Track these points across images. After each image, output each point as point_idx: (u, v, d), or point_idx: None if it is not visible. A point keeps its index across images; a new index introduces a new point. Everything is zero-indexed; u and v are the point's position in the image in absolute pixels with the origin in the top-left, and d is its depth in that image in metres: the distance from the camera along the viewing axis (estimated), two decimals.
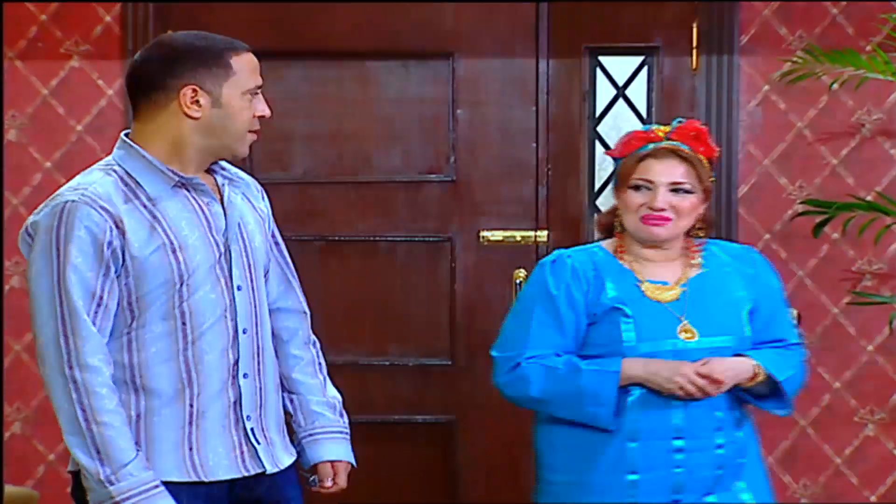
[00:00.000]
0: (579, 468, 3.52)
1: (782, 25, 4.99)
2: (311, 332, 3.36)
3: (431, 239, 5.10)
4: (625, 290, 3.52)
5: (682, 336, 3.50)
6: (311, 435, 3.29)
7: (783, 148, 5.01)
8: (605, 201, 5.04)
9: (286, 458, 3.20)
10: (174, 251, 3.03)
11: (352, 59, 5.10)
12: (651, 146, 3.52)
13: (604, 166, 5.07)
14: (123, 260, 3.00)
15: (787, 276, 5.02)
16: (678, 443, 3.50)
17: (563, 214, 5.05)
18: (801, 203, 4.89)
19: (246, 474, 3.11)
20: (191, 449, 3.05)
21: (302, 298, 3.35)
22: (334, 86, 5.11)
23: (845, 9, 4.95)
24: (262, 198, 3.29)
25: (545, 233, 5.02)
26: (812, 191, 4.98)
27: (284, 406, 3.28)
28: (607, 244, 3.60)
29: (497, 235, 5.08)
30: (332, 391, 3.35)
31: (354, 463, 3.33)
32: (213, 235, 3.09)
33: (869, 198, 4.87)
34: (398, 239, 5.10)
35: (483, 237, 5.08)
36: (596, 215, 3.73)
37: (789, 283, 5.02)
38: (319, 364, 3.35)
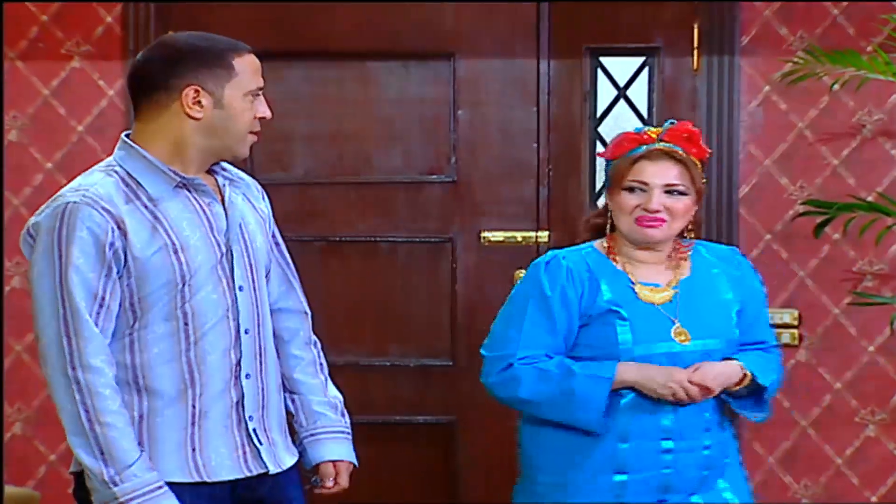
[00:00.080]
0: (567, 469, 3.52)
1: (783, 26, 4.99)
2: (311, 332, 3.36)
3: (432, 239, 5.10)
4: (619, 292, 3.51)
5: (677, 339, 3.50)
6: (312, 435, 3.29)
7: (784, 148, 5.02)
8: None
9: (288, 459, 3.20)
10: (176, 252, 3.03)
11: (352, 60, 5.10)
12: (644, 148, 3.52)
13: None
14: (125, 261, 3.00)
15: (788, 277, 5.03)
16: (667, 444, 3.51)
17: (563, 215, 5.05)
18: (802, 203, 4.89)
19: (248, 475, 3.11)
20: (193, 449, 3.05)
21: (303, 299, 3.35)
22: (335, 86, 5.12)
23: (846, 9, 4.95)
24: (263, 198, 3.29)
25: (546, 233, 5.02)
26: (813, 191, 4.98)
27: (286, 406, 3.28)
28: (598, 245, 3.59)
29: (498, 236, 5.08)
30: (334, 391, 3.35)
31: (356, 463, 3.33)
32: (214, 236, 3.09)
33: (870, 198, 4.87)
34: (399, 239, 5.10)
35: (484, 238, 5.08)
36: (584, 216, 3.71)
37: (790, 283, 5.02)
38: (320, 364, 3.35)
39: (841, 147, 5.00)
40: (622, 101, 5.13)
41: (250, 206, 3.22)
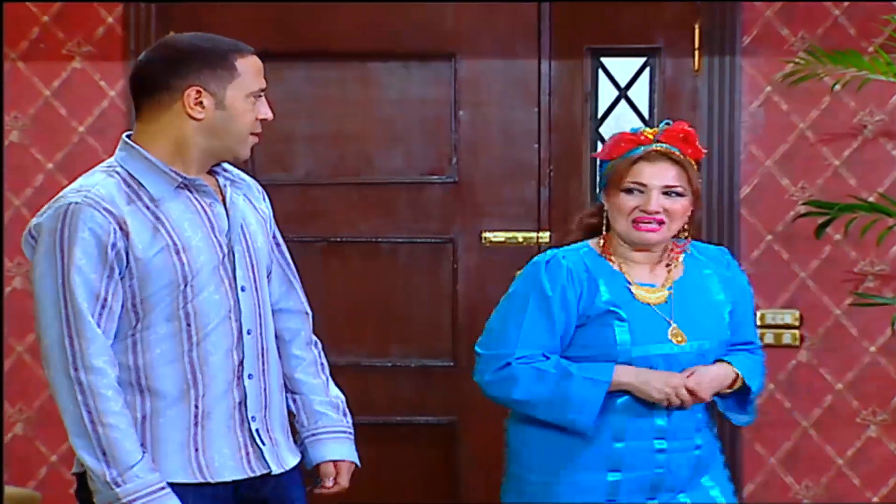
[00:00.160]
0: (561, 468, 3.51)
1: (784, 26, 4.99)
2: (312, 332, 3.36)
3: (433, 240, 5.10)
4: (617, 293, 3.51)
5: (673, 340, 3.51)
6: (314, 434, 3.29)
7: (785, 149, 5.02)
8: None
9: (291, 459, 3.20)
10: (178, 252, 3.03)
11: (353, 60, 5.11)
12: (642, 149, 3.51)
13: None
14: (127, 261, 3.00)
15: (790, 278, 5.03)
16: (661, 443, 3.51)
17: (565, 215, 5.04)
18: (804, 204, 4.89)
19: (251, 475, 3.11)
20: (196, 450, 3.05)
21: (304, 299, 3.35)
22: (336, 87, 5.12)
23: (847, 10, 4.95)
24: (264, 199, 3.29)
25: (547, 234, 5.02)
26: (814, 192, 4.98)
27: (288, 406, 3.27)
28: (594, 244, 3.59)
29: (499, 236, 5.08)
30: (335, 391, 3.35)
31: (358, 462, 3.33)
32: (216, 236, 3.09)
33: (871, 199, 4.87)
34: (400, 240, 5.11)
35: (485, 238, 5.08)
36: (576, 216, 3.71)
37: (791, 284, 5.03)
38: (322, 364, 3.35)
39: (842, 147, 5.00)
40: (623, 102, 5.13)
41: (251, 206, 3.21)
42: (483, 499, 5.05)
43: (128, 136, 3.11)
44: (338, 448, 3.29)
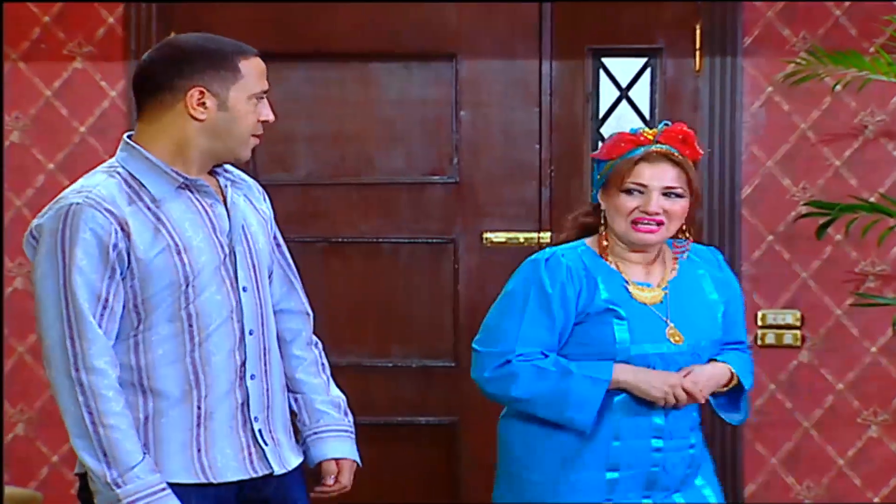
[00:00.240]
0: (560, 467, 3.51)
1: (785, 27, 4.99)
2: (313, 333, 3.36)
3: (434, 240, 5.11)
4: (615, 292, 3.51)
5: (671, 339, 3.51)
6: (315, 433, 3.29)
7: (786, 149, 5.02)
8: None
9: (293, 459, 3.20)
10: (179, 252, 3.03)
11: (354, 61, 5.11)
12: (642, 149, 3.51)
13: None
14: (129, 262, 3.00)
15: (791, 278, 5.03)
16: (657, 442, 3.52)
17: (566, 216, 5.03)
18: (805, 204, 4.89)
19: (254, 475, 3.11)
20: (199, 450, 3.05)
21: (304, 300, 3.35)
22: (336, 87, 5.12)
23: (848, 10, 4.95)
24: (264, 199, 3.29)
25: (548, 234, 5.02)
26: (815, 192, 4.98)
27: (289, 406, 3.27)
28: (590, 243, 3.59)
29: (500, 237, 5.08)
30: (336, 391, 3.35)
31: (360, 461, 3.33)
32: (217, 237, 3.09)
33: (872, 199, 4.87)
34: (401, 240, 5.11)
35: (486, 238, 5.08)
36: (570, 215, 3.71)
37: (792, 284, 5.03)
38: (322, 364, 3.35)
39: (843, 148, 5.00)
40: (624, 102, 5.13)
41: (252, 207, 3.21)
42: (484, 499, 5.04)
43: (128, 137, 3.11)
44: (339, 446, 3.29)
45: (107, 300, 2.99)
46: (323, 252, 5.11)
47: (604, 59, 5.12)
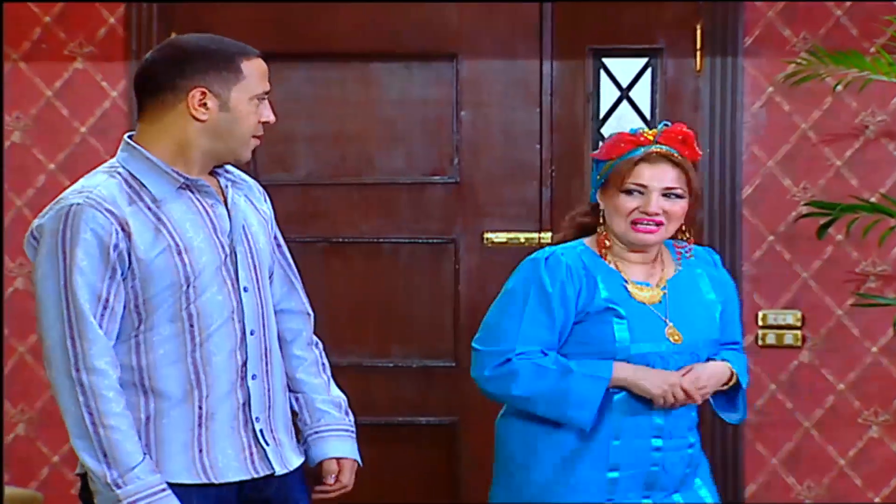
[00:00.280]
0: (561, 467, 3.52)
1: (786, 27, 4.98)
2: (313, 333, 3.36)
3: (435, 240, 5.10)
4: (615, 291, 3.52)
5: (671, 339, 3.51)
6: (316, 432, 3.29)
7: (787, 149, 5.01)
8: None
9: (295, 459, 3.20)
10: (180, 253, 3.03)
11: (354, 61, 5.11)
12: (642, 150, 3.51)
13: None
14: (129, 262, 3.00)
15: (791, 278, 5.03)
16: (657, 441, 3.53)
17: (565, 216, 5.04)
18: (805, 205, 4.89)
19: (255, 476, 3.11)
20: (200, 451, 3.05)
21: (305, 300, 3.35)
22: (337, 87, 5.12)
23: (849, 10, 4.95)
24: (265, 200, 3.29)
25: (549, 234, 5.02)
26: (816, 192, 4.98)
27: (290, 405, 3.27)
28: (589, 243, 3.59)
29: (501, 237, 5.08)
30: (337, 391, 3.35)
31: (360, 461, 3.32)
32: (218, 237, 3.09)
33: (873, 199, 4.87)
34: (402, 240, 5.11)
35: (487, 239, 5.08)
36: (568, 215, 3.71)
37: (793, 284, 5.03)
38: (323, 364, 3.35)
39: (844, 148, 5.00)
40: (625, 102, 5.13)
41: (252, 207, 3.22)
42: (484, 499, 5.02)
43: (129, 137, 3.11)
44: (340, 445, 3.29)
45: (107, 300, 2.99)
46: (323, 252, 5.11)
47: (604, 59, 5.12)
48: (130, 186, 3.04)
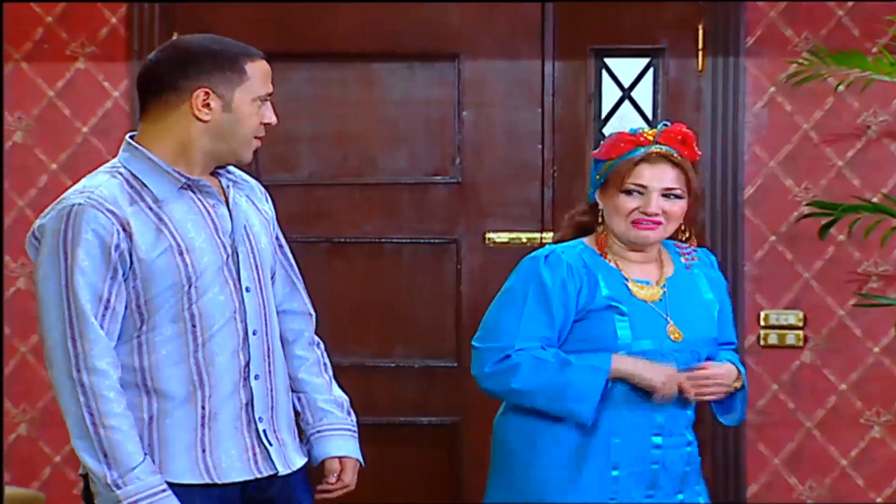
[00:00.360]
0: (564, 465, 3.52)
1: (788, 27, 4.98)
2: (315, 333, 3.36)
3: (437, 241, 5.11)
4: (616, 289, 3.52)
5: (671, 337, 3.52)
6: (318, 432, 3.29)
7: (789, 149, 5.01)
8: None
9: (298, 460, 3.20)
10: (181, 253, 3.03)
11: (356, 61, 5.11)
12: (642, 150, 3.51)
13: None
14: (131, 262, 3.00)
15: (793, 278, 5.03)
16: (657, 439, 3.53)
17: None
18: (807, 205, 4.89)
19: (259, 476, 3.11)
20: (203, 451, 3.05)
21: (307, 300, 3.35)
22: (339, 87, 5.12)
23: (851, 10, 4.95)
24: (266, 200, 3.29)
25: (551, 234, 5.01)
26: (818, 192, 4.98)
27: (293, 405, 3.28)
28: (589, 242, 3.59)
29: (503, 237, 5.08)
30: (338, 391, 3.35)
31: (362, 461, 3.33)
32: (219, 237, 3.09)
33: (875, 199, 4.87)
34: (404, 241, 5.11)
35: (489, 239, 5.08)
36: (566, 214, 3.71)
37: (795, 284, 5.02)
38: (325, 364, 3.35)
39: (846, 148, 5.00)
40: (627, 103, 5.13)
41: (254, 207, 3.22)
42: None
43: (131, 137, 3.11)
44: (343, 444, 3.29)
45: (108, 301, 2.99)
46: (325, 252, 5.12)
47: (606, 60, 5.12)
48: (132, 186, 3.05)
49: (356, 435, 3.33)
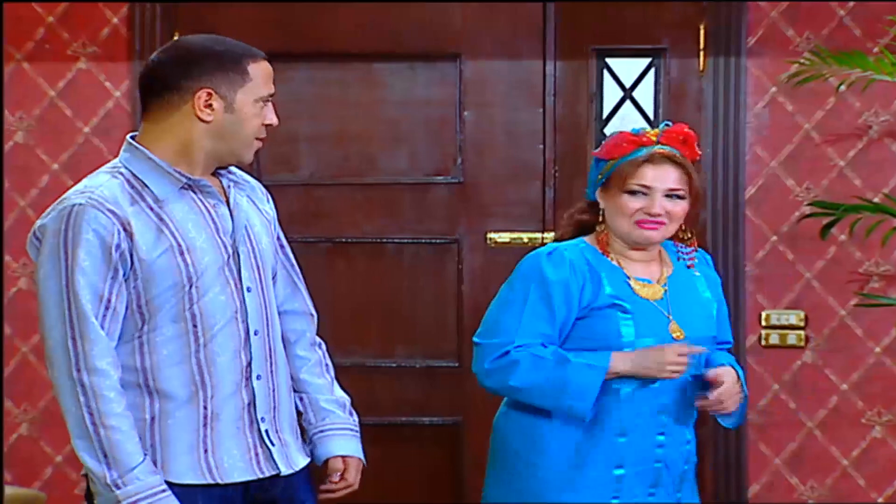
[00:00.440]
0: (567, 464, 3.52)
1: (789, 27, 4.98)
2: (316, 334, 3.36)
3: (438, 241, 5.11)
4: (619, 287, 3.52)
5: (673, 335, 3.52)
6: (321, 431, 3.29)
7: (790, 149, 5.01)
8: None
9: (300, 460, 3.20)
10: (182, 253, 3.03)
11: (357, 61, 5.11)
12: (645, 151, 3.51)
13: None
14: (132, 263, 3.00)
15: (795, 278, 5.02)
16: (661, 438, 3.54)
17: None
18: (809, 205, 4.89)
19: (261, 476, 3.11)
20: (206, 451, 3.05)
21: (308, 300, 3.35)
22: (340, 88, 5.12)
23: (852, 10, 4.95)
24: (267, 200, 3.29)
25: (552, 234, 5.01)
26: (819, 192, 4.98)
27: (295, 406, 3.28)
28: (590, 240, 3.59)
29: (504, 237, 5.08)
30: (340, 392, 3.35)
31: (364, 461, 3.33)
32: (220, 237, 3.09)
33: (876, 199, 4.87)
34: (405, 241, 5.11)
35: (490, 239, 5.08)
36: (566, 212, 3.71)
37: (796, 284, 5.02)
38: (326, 365, 3.35)
39: (847, 148, 5.00)
40: (628, 102, 5.13)
41: (255, 208, 3.22)
42: None
43: (132, 137, 3.11)
44: (345, 444, 3.30)
45: (109, 301, 2.99)
46: (326, 252, 5.12)
47: (608, 60, 5.12)
48: (133, 187, 3.05)
49: (359, 435, 3.33)
